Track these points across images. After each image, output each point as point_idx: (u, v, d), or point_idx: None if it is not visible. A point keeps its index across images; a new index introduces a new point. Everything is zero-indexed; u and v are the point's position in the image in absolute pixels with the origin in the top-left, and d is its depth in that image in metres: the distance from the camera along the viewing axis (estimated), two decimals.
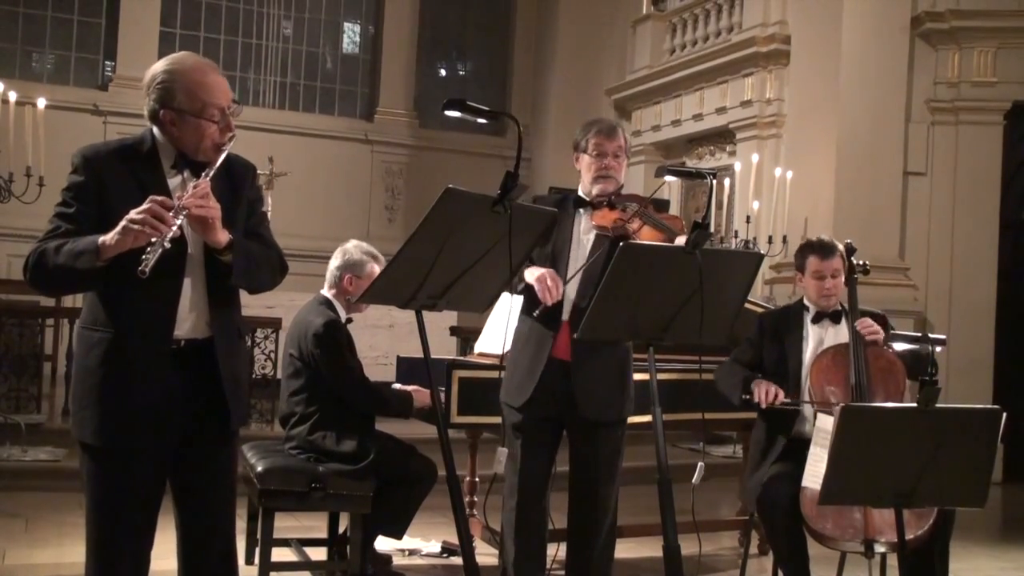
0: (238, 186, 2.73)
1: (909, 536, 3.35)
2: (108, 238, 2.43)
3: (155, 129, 2.64)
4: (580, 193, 3.63)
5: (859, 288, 4.03)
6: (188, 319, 2.61)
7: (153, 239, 2.41)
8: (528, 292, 3.50)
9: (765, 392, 3.81)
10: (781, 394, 3.82)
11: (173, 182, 2.63)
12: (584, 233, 3.58)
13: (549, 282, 3.39)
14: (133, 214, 2.42)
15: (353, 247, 4.37)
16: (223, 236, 2.55)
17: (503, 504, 3.60)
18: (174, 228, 2.43)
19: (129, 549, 2.62)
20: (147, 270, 2.39)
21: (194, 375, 2.63)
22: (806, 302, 4.09)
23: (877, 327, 3.86)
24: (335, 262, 4.34)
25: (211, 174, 2.57)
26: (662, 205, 3.68)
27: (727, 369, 4.09)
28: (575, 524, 3.62)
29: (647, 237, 3.43)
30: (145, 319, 2.55)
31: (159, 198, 2.46)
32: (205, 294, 2.64)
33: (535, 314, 3.47)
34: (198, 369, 2.63)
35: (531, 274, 3.44)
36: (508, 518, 3.57)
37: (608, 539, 3.65)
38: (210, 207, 2.51)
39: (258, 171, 2.85)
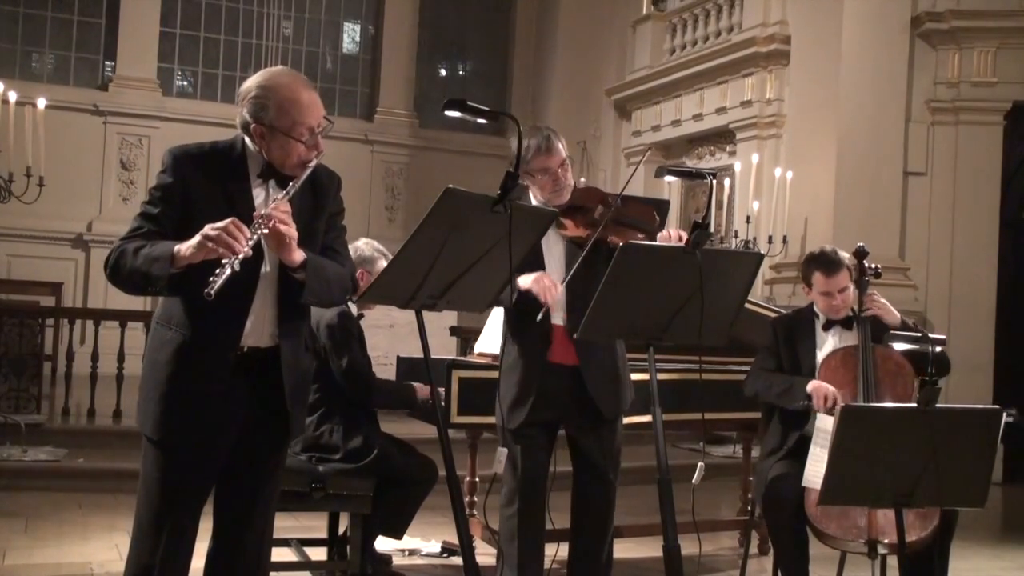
0: (321, 198, 2.76)
1: (912, 538, 3.35)
2: (184, 248, 2.46)
3: (245, 137, 2.67)
4: (536, 203, 3.55)
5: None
6: (256, 329, 2.65)
7: (224, 260, 2.42)
8: (520, 303, 3.44)
9: (823, 397, 3.71)
10: (840, 399, 3.70)
11: (258, 191, 2.67)
12: (554, 243, 3.54)
13: (547, 281, 3.36)
14: (208, 229, 2.44)
15: (364, 244, 4.41)
16: (298, 256, 2.57)
17: (501, 509, 3.59)
18: (246, 249, 2.45)
19: (168, 543, 2.65)
20: (212, 293, 2.40)
21: (257, 381, 2.67)
22: (816, 309, 4.06)
23: (881, 301, 3.84)
24: None
25: (291, 193, 2.59)
26: (663, 206, 3.63)
27: (761, 378, 3.99)
28: (583, 522, 3.61)
29: (622, 237, 3.36)
30: (215, 326, 2.58)
31: (235, 220, 2.46)
32: (275, 307, 2.67)
33: (538, 318, 3.41)
34: (261, 375, 2.67)
35: (525, 280, 3.40)
36: (510, 524, 3.55)
37: (610, 536, 3.66)
38: (287, 227, 2.53)
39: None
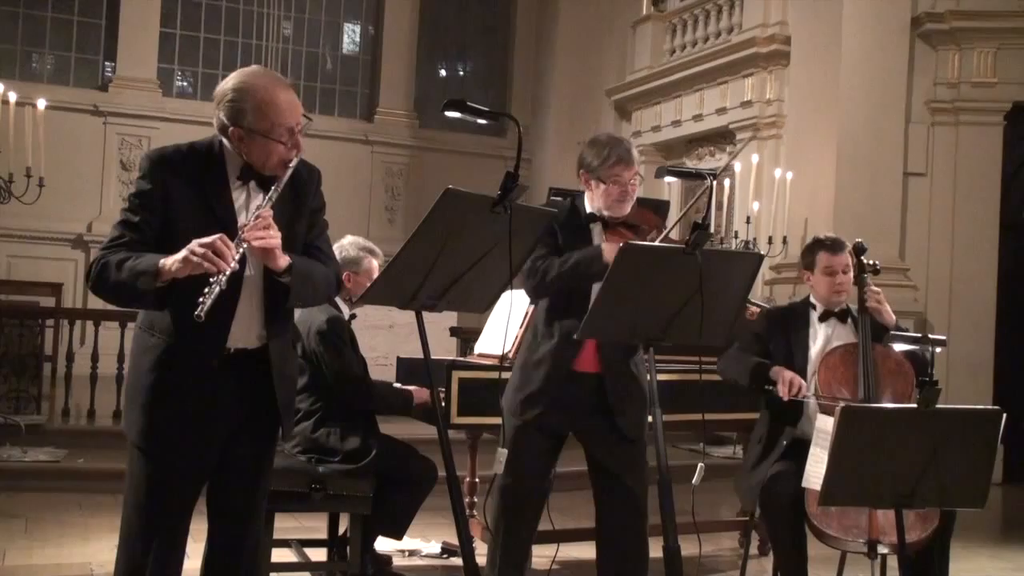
0: (302, 196, 2.73)
1: (912, 539, 3.35)
2: (169, 263, 2.44)
3: (223, 138, 2.65)
4: (591, 209, 3.53)
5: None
6: (241, 331, 2.64)
7: (211, 278, 2.41)
8: (562, 288, 3.41)
9: (790, 383, 3.71)
10: (804, 386, 3.72)
11: (237, 193, 2.64)
12: None
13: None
14: (195, 245, 2.41)
15: (349, 243, 4.35)
16: (283, 261, 2.56)
17: (495, 507, 3.58)
18: (233, 264, 2.44)
19: (159, 546, 2.64)
20: (203, 315, 2.40)
21: (243, 382, 2.66)
22: (813, 300, 4.06)
23: (882, 297, 3.87)
24: None
25: (274, 198, 2.57)
26: (662, 207, 3.62)
27: (734, 356, 3.99)
28: (613, 533, 3.56)
29: None
30: (198, 331, 2.54)
31: (223, 237, 2.44)
32: (260, 308, 2.66)
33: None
34: (247, 376, 2.66)
35: (607, 247, 3.33)
36: (494, 521, 3.56)
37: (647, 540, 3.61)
38: (269, 238, 2.51)
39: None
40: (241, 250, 2.48)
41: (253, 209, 2.58)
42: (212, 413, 2.62)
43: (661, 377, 3.52)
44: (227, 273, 2.42)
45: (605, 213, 3.50)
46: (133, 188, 2.64)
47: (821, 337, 3.98)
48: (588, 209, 3.55)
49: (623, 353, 3.49)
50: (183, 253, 2.42)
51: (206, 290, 2.41)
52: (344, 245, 4.33)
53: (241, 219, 2.58)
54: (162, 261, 2.45)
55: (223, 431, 2.66)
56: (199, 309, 2.40)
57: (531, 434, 3.51)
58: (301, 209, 2.73)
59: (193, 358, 2.59)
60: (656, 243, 3.33)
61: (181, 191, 2.58)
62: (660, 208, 3.77)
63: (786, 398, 3.72)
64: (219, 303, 2.50)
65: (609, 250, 3.34)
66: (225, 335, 2.61)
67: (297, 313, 4.34)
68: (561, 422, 3.51)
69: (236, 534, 2.75)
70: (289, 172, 2.60)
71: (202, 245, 2.41)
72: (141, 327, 2.67)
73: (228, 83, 2.63)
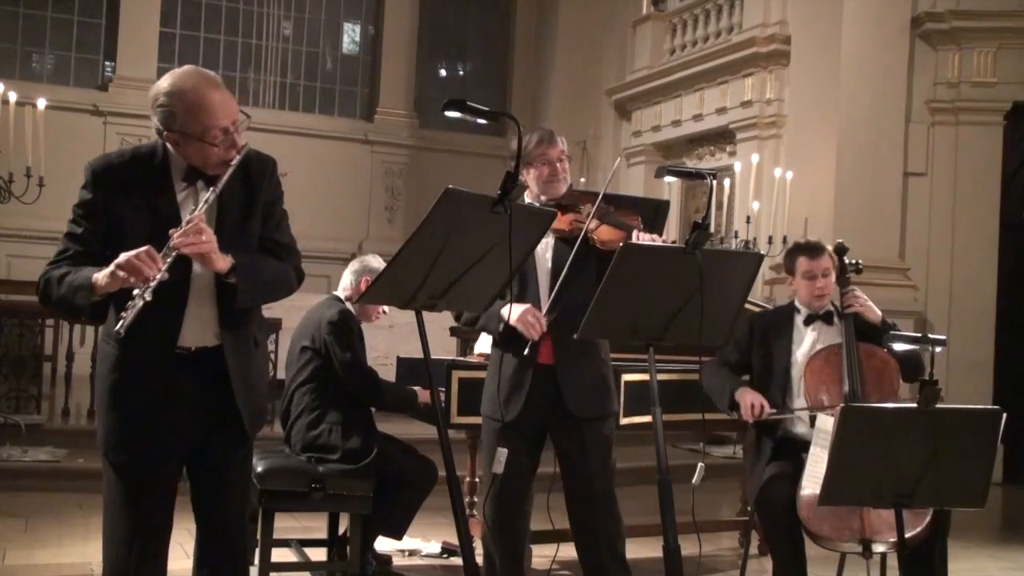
0: (254, 188, 2.69)
1: (908, 535, 3.35)
2: (100, 277, 2.44)
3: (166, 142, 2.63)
4: (529, 201, 3.58)
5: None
6: (197, 330, 2.62)
7: (135, 292, 2.40)
8: (504, 333, 3.45)
9: (750, 405, 3.79)
10: (766, 406, 3.80)
11: (184, 195, 2.62)
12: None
13: (530, 318, 3.38)
14: (122, 259, 2.40)
15: (371, 256, 4.57)
16: (222, 264, 2.53)
17: (492, 510, 3.58)
18: (161, 275, 2.41)
19: (139, 552, 2.63)
20: (122, 331, 2.39)
21: (206, 380, 2.64)
22: (797, 304, 4.08)
23: (863, 298, 3.89)
24: (354, 266, 4.52)
25: (211, 200, 2.54)
26: (616, 201, 3.65)
27: (712, 371, 4.05)
28: (576, 525, 3.60)
29: (606, 235, 3.44)
30: (150, 332, 2.53)
31: (150, 249, 2.42)
32: (213, 307, 2.63)
33: (526, 353, 3.44)
34: (210, 374, 2.64)
35: (513, 313, 3.40)
36: (488, 523, 3.57)
37: (619, 535, 3.62)
38: (201, 243, 2.47)
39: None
40: (170, 259, 2.44)
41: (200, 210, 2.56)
42: (174, 414, 2.61)
43: (661, 377, 3.52)
44: (152, 286, 2.40)
45: (542, 198, 3.56)
46: (76, 198, 2.63)
47: (808, 341, 3.98)
48: (527, 201, 3.57)
49: (580, 344, 3.49)
50: (110, 268, 2.42)
51: (128, 303, 2.40)
52: (367, 257, 4.54)
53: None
54: (95, 276, 2.44)
55: (189, 431, 2.64)
56: (119, 325, 2.39)
57: (512, 435, 3.52)
58: (253, 201, 2.69)
59: (144, 360, 2.58)
60: (653, 244, 3.33)
61: (124, 198, 2.57)
62: (660, 208, 3.79)
63: (750, 420, 3.81)
64: (168, 304, 2.50)
65: (508, 311, 3.40)
66: (174, 337, 2.59)
67: (306, 312, 4.42)
68: (536, 414, 3.53)
69: (220, 532, 2.74)
70: (230, 172, 2.57)
71: (126, 257, 2.39)
72: (102, 337, 2.68)
73: (159, 87, 2.60)
